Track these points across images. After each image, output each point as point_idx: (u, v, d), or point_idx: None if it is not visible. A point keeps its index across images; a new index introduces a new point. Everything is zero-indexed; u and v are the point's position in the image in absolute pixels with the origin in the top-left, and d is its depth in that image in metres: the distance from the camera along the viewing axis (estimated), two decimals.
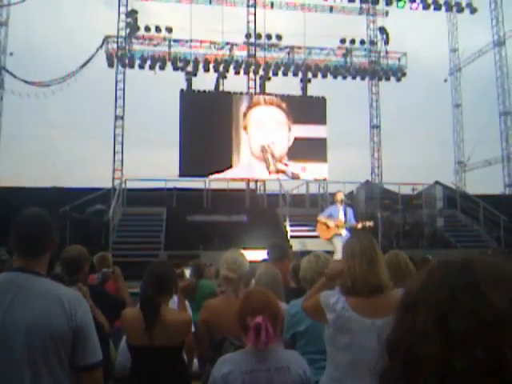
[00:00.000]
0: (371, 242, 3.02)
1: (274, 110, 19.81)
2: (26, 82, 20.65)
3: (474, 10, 23.00)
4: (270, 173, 19.25)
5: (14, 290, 2.30)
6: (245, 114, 19.56)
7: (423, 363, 0.91)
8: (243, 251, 4.17)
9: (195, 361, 4.03)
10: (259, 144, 19.29)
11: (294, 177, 19.54)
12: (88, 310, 2.46)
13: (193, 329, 3.74)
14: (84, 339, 2.34)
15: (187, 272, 6.76)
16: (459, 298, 0.92)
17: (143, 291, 3.68)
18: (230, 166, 19.21)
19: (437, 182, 18.14)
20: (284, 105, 19.86)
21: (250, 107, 19.65)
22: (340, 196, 10.89)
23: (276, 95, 20.12)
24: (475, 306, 0.90)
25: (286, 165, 19.44)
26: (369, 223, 10.86)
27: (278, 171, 19.37)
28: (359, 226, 10.49)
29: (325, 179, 18.55)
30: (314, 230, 13.22)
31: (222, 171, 19.12)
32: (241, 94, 20.51)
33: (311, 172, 19.37)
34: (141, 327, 3.29)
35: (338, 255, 9.47)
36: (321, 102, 20.35)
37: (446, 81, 25.38)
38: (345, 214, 10.52)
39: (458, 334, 0.89)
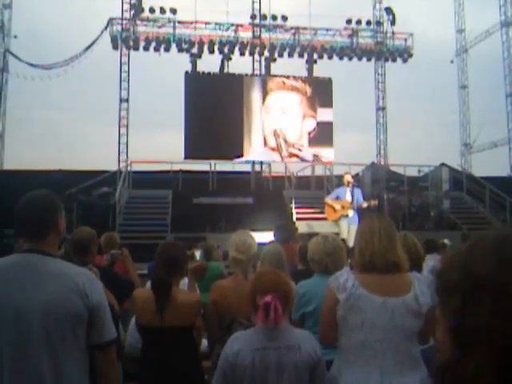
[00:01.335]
0: (390, 222, 3.05)
1: (289, 95, 19.75)
2: (31, 64, 20.61)
3: None
4: (282, 158, 19.26)
5: (27, 271, 2.32)
6: (263, 99, 19.51)
7: None
8: (251, 232, 4.18)
9: (204, 341, 4.07)
10: (271, 129, 19.29)
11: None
12: (101, 289, 2.48)
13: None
14: (99, 318, 2.38)
15: (197, 254, 6.79)
16: None
17: (154, 272, 3.70)
18: (241, 155, 19.24)
19: (443, 164, 18.08)
20: (308, 89, 19.77)
21: (266, 92, 19.58)
22: (348, 177, 10.90)
23: (287, 76, 20.06)
24: None
25: (299, 149, 19.43)
26: (374, 202, 10.90)
27: (291, 155, 19.39)
28: (365, 205, 10.51)
29: (330, 161, 18.55)
30: (319, 212, 13.28)
31: (232, 159, 19.20)
32: (251, 75, 20.47)
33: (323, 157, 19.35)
34: (152, 308, 3.32)
35: (344, 236, 9.52)
36: (327, 84, 20.24)
37: (452, 62, 25.20)
38: (352, 196, 10.53)
39: None
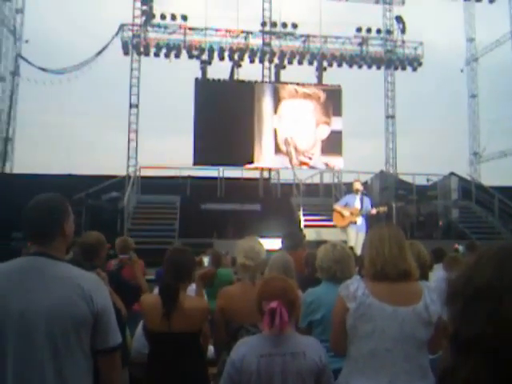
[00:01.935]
0: (399, 230, 3.05)
1: (302, 102, 19.78)
2: (42, 69, 20.74)
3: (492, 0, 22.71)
4: (292, 166, 19.29)
5: (32, 275, 2.31)
6: (276, 107, 19.56)
7: None
8: (259, 239, 4.17)
9: (211, 347, 4.06)
10: (283, 137, 19.33)
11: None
12: (107, 293, 2.47)
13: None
14: (104, 323, 2.36)
15: (206, 260, 6.80)
16: None
17: (162, 278, 3.70)
18: (252, 161, 19.27)
19: (452, 173, 18.02)
20: (321, 94, 19.81)
21: (279, 100, 19.62)
22: (357, 185, 10.89)
23: (297, 83, 20.11)
24: None
25: (309, 158, 19.45)
26: (382, 209, 10.87)
27: (301, 164, 19.42)
28: (374, 211, 10.48)
29: (339, 169, 18.53)
30: (327, 220, 13.25)
31: (244, 164, 19.25)
32: (262, 82, 20.53)
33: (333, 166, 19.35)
34: (159, 313, 3.32)
35: (352, 244, 9.49)
36: (336, 93, 20.25)
37: (462, 71, 25.13)
38: (361, 203, 10.51)
39: None
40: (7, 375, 2.20)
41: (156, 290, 3.89)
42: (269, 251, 4.18)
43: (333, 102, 19.98)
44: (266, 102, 19.67)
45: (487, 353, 0.87)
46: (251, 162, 19.28)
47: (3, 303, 2.24)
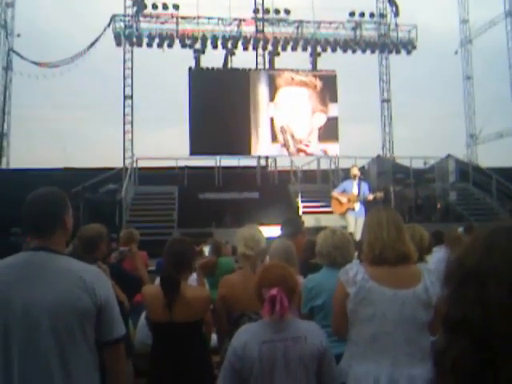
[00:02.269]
0: (396, 213, 3.06)
1: (298, 90, 19.74)
2: (35, 63, 20.63)
3: None
4: (289, 154, 19.28)
5: (34, 270, 2.32)
6: (272, 95, 19.51)
7: (500, 337, 0.85)
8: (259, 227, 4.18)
9: (213, 336, 4.09)
10: (279, 125, 19.31)
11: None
12: (109, 285, 2.49)
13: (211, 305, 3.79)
14: (108, 314, 2.38)
15: (206, 250, 6.81)
16: None
17: (163, 268, 3.71)
18: (249, 153, 19.28)
19: (449, 156, 18.02)
20: (317, 82, 19.74)
21: (275, 88, 19.56)
22: (355, 170, 10.87)
23: (291, 70, 20.05)
24: None
25: (306, 145, 19.44)
26: (379, 194, 10.87)
27: (298, 151, 19.42)
28: (370, 197, 10.49)
29: (335, 155, 18.52)
30: (325, 206, 13.27)
31: (240, 154, 19.24)
32: (256, 70, 20.45)
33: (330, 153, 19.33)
34: (161, 304, 3.34)
35: (351, 229, 9.51)
36: (331, 79, 20.18)
37: (456, 53, 25.07)
38: (359, 189, 10.51)
39: None
40: (13, 370, 2.21)
41: (157, 281, 3.90)
42: (268, 239, 4.19)
43: (328, 88, 19.91)
44: (262, 89, 19.62)
45: (474, 334, 0.88)
46: (248, 152, 19.26)
47: (6, 299, 2.25)
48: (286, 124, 19.35)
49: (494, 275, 0.89)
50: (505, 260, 0.90)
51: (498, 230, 0.98)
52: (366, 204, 10.28)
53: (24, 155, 24.49)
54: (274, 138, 19.39)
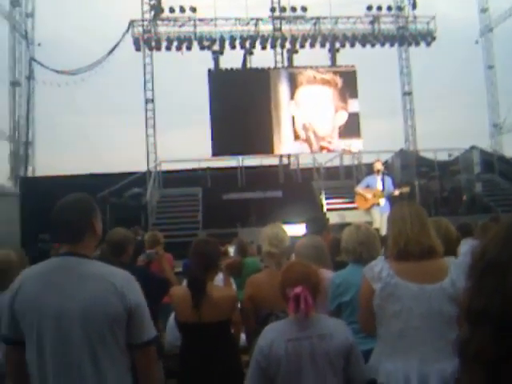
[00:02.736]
0: (420, 207, 3.06)
1: (319, 88, 19.65)
2: (56, 71, 20.90)
3: None
4: (312, 151, 19.23)
5: (65, 275, 2.37)
6: (293, 94, 19.47)
7: None
8: (283, 225, 4.19)
9: (242, 336, 4.11)
10: (301, 123, 19.27)
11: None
12: (139, 288, 2.50)
13: (239, 305, 3.81)
14: (138, 318, 2.41)
15: (231, 250, 6.83)
16: None
17: (189, 269, 3.75)
18: (272, 152, 19.29)
19: (473, 147, 17.78)
20: (338, 80, 19.67)
21: (296, 86, 19.52)
22: (378, 165, 10.81)
23: (311, 67, 19.98)
24: None
25: (329, 142, 19.38)
26: (405, 189, 10.79)
27: (321, 149, 19.37)
28: (396, 192, 10.42)
29: (357, 152, 18.41)
30: (350, 202, 13.21)
31: (262, 153, 19.27)
32: (276, 68, 20.42)
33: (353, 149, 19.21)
34: (189, 304, 3.38)
35: (377, 225, 9.46)
36: (352, 75, 20.04)
37: (477, 42, 24.72)
38: (383, 184, 10.44)
39: None
40: (47, 371, 2.26)
41: (185, 283, 3.94)
42: (293, 237, 4.19)
43: (349, 84, 19.79)
44: (283, 88, 19.56)
45: (495, 324, 0.89)
46: (271, 151, 19.26)
47: (39, 304, 2.30)
48: (309, 122, 19.30)
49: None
50: None
51: None
52: (392, 199, 10.22)
53: (49, 163, 24.80)
54: (296, 136, 19.34)
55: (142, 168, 18.43)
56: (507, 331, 0.87)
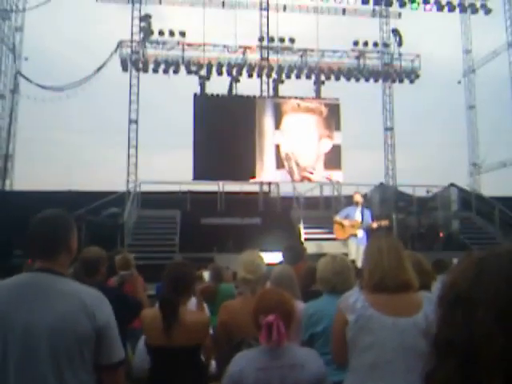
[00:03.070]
0: (397, 241, 3.06)
1: (304, 117, 19.83)
2: (42, 86, 20.84)
3: (488, 11, 22.88)
4: (293, 181, 19.31)
5: (37, 291, 2.32)
6: (278, 123, 19.63)
7: (486, 362, 0.85)
8: (260, 253, 4.18)
9: (213, 362, 4.06)
10: (284, 152, 19.39)
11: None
12: (110, 309, 2.46)
13: (211, 331, 3.76)
14: (107, 338, 2.36)
15: (206, 275, 6.76)
16: None
17: (162, 292, 3.71)
18: (253, 177, 19.33)
19: (451, 184, 18.01)
20: (323, 109, 19.87)
21: (281, 116, 19.70)
22: (358, 197, 10.88)
23: (295, 98, 20.18)
24: None
25: (310, 173, 19.48)
26: (384, 222, 10.85)
27: (302, 179, 19.44)
28: (374, 225, 10.47)
29: (338, 182, 18.55)
30: (328, 233, 13.24)
31: (243, 180, 19.32)
32: (261, 97, 20.58)
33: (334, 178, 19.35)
34: (159, 327, 3.32)
35: (352, 257, 9.47)
36: (335, 108, 20.29)
37: (459, 82, 25.24)
38: (362, 215, 10.50)
39: None
40: None
41: (157, 305, 3.89)
42: (269, 265, 4.18)
43: (333, 116, 20.02)
44: (268, 117, 19.68)
45: (460, 357, 0.88)
46: (253, 177, 19.31)
47: (7, 318, 2.25)
48: (291, 151, 19.40)
49: (483, 301, 0.89)
50: (494, 286, 0.90)
51: (490, 256, 0.97)
52: (369, 231, 10.27)
53: (27, 177, 24.57)
54: (280, 165, 19.42)
55: (122, 188, 18.35)
56: (472, 365, 0.86)
